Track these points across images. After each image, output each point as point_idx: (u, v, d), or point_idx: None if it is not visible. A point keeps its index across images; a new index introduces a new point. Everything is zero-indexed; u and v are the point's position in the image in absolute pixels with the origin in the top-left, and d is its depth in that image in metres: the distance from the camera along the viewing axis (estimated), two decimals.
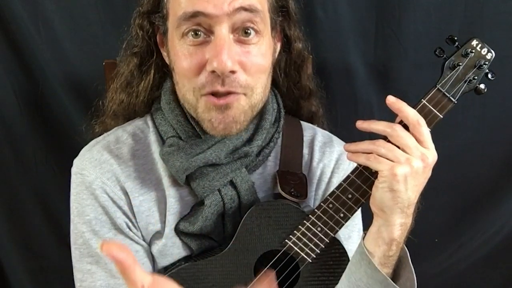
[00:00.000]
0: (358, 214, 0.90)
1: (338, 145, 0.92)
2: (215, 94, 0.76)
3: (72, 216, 0.82)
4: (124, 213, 0.81)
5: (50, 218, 1.31)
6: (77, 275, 0.82)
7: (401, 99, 0.73)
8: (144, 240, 0.83)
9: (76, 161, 0.83)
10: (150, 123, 0.87)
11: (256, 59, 0.76)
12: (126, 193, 0.81)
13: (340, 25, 1.19)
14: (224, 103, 0.75)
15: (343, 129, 1.05)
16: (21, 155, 1.28)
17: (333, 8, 1.18)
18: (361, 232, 0.91)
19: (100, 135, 0.88)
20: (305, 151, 0.90)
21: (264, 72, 0.79)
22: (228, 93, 0.75)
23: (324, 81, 1.21)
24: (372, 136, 0.74)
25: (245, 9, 0.73)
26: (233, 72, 0.74)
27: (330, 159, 0.90)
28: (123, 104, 0.90)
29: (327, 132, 0.96)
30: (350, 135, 0.92)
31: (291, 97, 0.94)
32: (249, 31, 0.75)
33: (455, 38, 0.77)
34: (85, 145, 0.86)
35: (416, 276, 0.76)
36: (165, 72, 0.88)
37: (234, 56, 0.73)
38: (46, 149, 1.28)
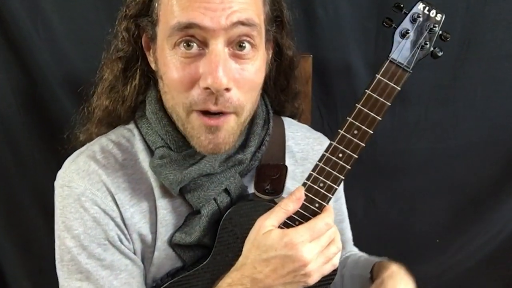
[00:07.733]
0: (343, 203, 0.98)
1: (315, 132, 0.98)
2: (206, 112, 0.74)
3: (58, 232, 0.79)
4: (117, 225, 0.79)
5: (49, 219, 1.23)
6: None
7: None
8: (135, 253, 0.81)
9: (60, 174, 0.80)
10: (135, 131, 0.85)
11: (250, 76, 0.75)
12: (117, 205, 0.79)
13: (341, 24, 1.20)
14: (215, 124, 0.74)
15: None
16: (20, 155, 1.28)
17: (333, 7, 1.19)
18: (347, 220, 1.00)
19: (83, 145, 0.86)
20: (289, 142, 0.92)
21: (255, 89, 0.78)
22: (219, 113, 0.74)
23: (325, 80, 1.22)
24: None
25: (242, 23, 0.72)
26: (227, 90, 0.72)
27: (312, 144, 0.95)
28: (107, 110, 0.87)
29: (303, 124, 1.01)
30: None
31: (278, 101, 0.95)
32: (244, 45, 0.73)
33: (402, 5, 0.73)
34: (68, 155, 0.83)
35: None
36: (149, 77, 0.85)
37: (229, 73, 0.72)
38: (44, 149, 1.28)
